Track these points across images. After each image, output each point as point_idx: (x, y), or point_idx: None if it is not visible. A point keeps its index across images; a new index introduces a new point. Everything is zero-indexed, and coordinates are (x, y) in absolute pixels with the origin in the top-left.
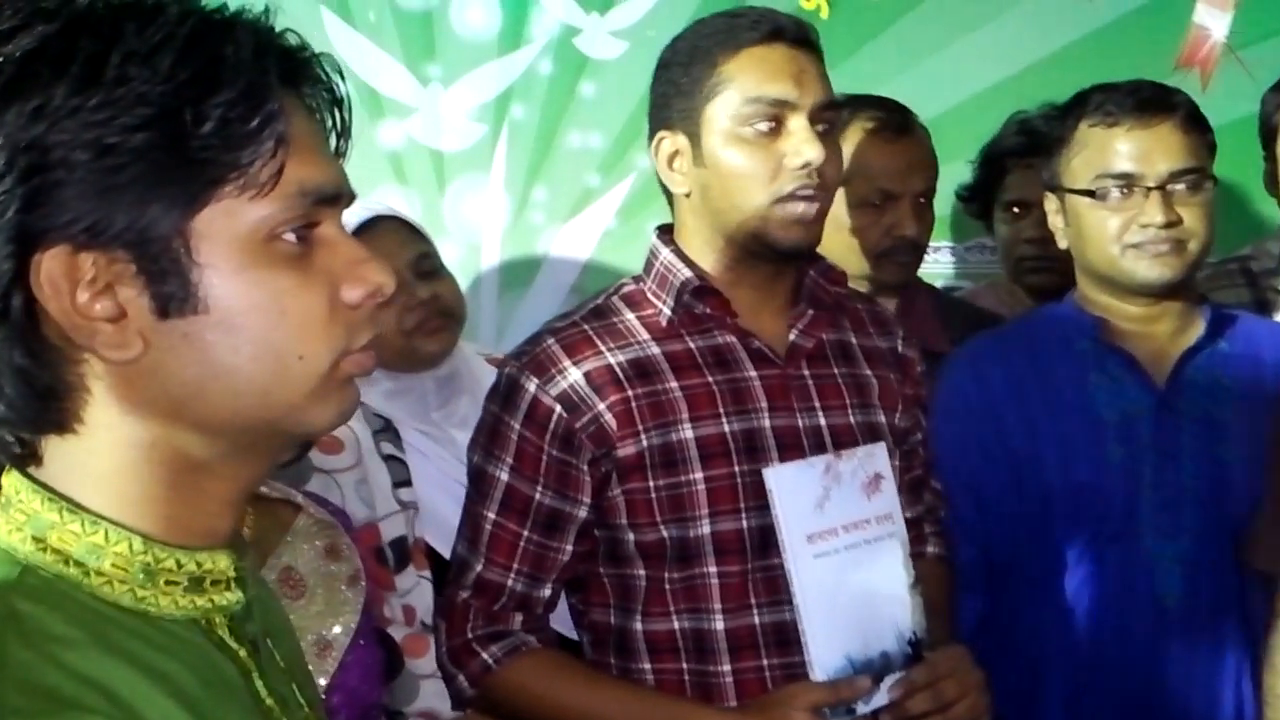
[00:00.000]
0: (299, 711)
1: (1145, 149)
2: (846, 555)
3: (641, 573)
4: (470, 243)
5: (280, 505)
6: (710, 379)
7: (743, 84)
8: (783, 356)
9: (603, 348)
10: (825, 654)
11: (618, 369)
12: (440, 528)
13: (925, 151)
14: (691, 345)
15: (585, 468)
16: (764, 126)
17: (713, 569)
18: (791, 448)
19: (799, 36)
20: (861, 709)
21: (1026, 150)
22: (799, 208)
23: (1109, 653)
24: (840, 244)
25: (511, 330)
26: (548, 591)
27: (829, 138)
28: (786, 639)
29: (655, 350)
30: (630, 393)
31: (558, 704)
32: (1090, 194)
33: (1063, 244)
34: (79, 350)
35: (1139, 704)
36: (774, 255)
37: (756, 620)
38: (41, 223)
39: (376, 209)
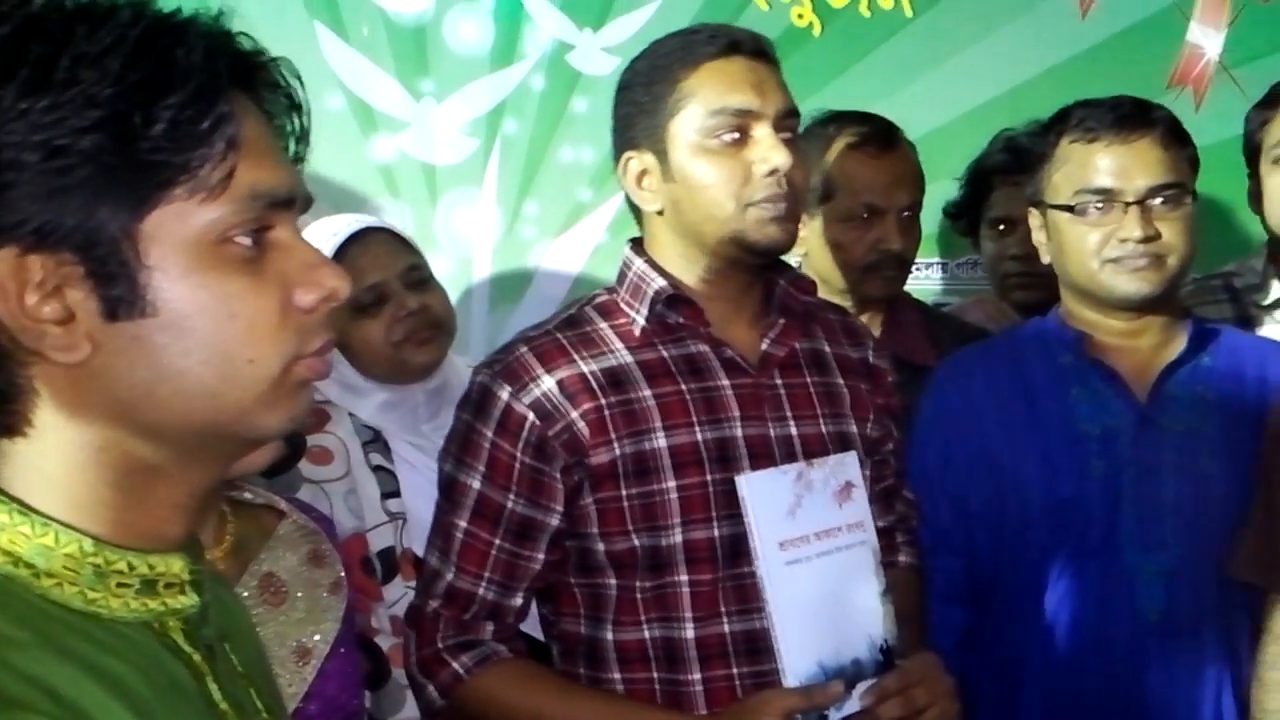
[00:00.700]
0: (256, 716)
1: (1124, 164)
2: (818, 563)
3: (612, 582)
4: (462, 256)
5: (263, 511)
6: (683, 387)
7: (705, 97)
8: (755, 366)
9: (576, 356)
10: (798, 661)
11: (591, 377)
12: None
13: (910, 166)
14: (665, 354)
15: (558, 476)
16: (729, 137)
17: (684, 578)
18: (763, 456)
19: (755, 49)
20: (834, 715)
21: (1012, 168)
22: (769, 211)
23: (1090, 666)
24: (827, 258)
25: (501, 342)
26: (519, 600)
27: (792, 144)
28: (756, 648)
29: (628, 359)
30: (603, 401)
31: (529, 713)
32: (1070, 209)
33: (1046, 259)
34: (28, 353)
35: (1120, 717)
36: (752, 259)
37: (727, 629)
38: None
39: (366, 221)
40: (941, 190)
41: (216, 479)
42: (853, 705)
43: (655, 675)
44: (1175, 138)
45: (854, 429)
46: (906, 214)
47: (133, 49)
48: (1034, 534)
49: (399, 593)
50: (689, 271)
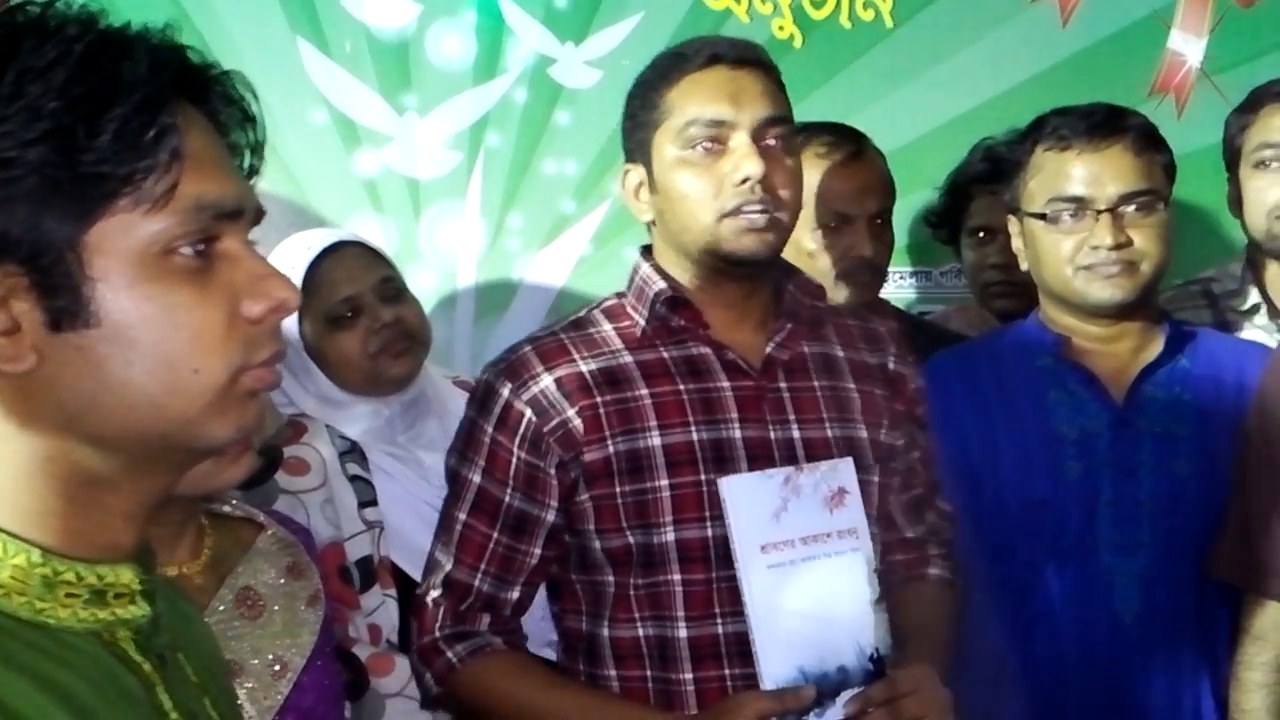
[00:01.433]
0: None
1: (1095, 172)
2: (803, 567)
3: (610, 579)
4: (446, 269)
5: (241, 524)
6: (681, 388)
7: (682, 109)
8: (758, 368)
9: (576, 356)
10: (775, 664)
11: (588, 376)
12: (406, 547)
13: (879, 174)
14: (665, 355)
15: (553, 472)
16: (704, 148)
17: (677, 576)
18: (761, 459)
19: (739, 58)
20: None
21: (991, 177)
22: (744, 220)
23: (1069, 667)
24: (800, 266)
25: (487, 355)
26: (515, 594)
27: (778, 151)
28: (748, 649)
29: (628, 359)
30: (599, 399)
31: (517, 705)
32: (1043, 217)
33: (1024, 266)
34: None
35: (1100, 718)
36: (733, 268)
37: (719, 630)
38: None
39: (339, 234)
40: (923, 199)
41: (167, 489)
42: (836, 713)
43: (648, 674)
44: (1149, 144)
45: (863, 434)
46: (877, 221)
47: (78, 62)
48: (1011, 535)
49: (376, 601)
50: (688, 277)
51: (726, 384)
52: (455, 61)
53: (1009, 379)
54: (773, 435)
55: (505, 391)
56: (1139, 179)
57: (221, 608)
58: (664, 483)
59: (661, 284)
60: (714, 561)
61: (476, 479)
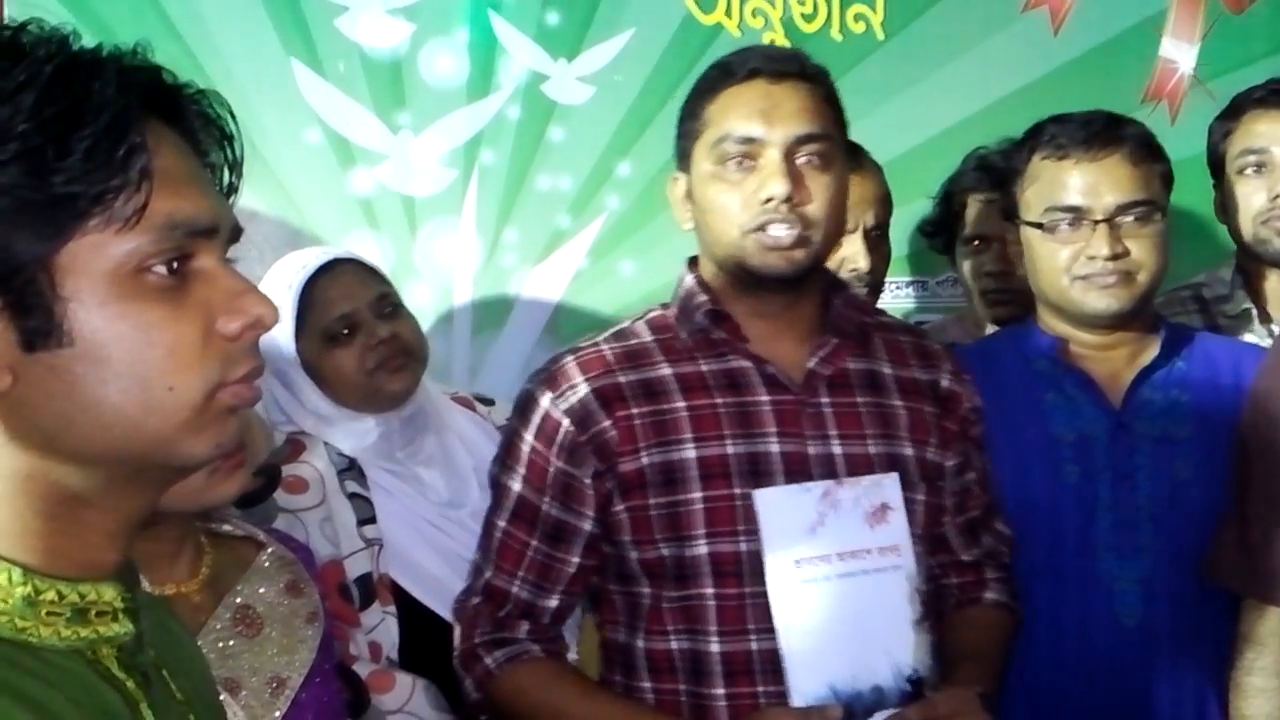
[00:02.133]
0: None
1: (1092, 182)
2: (839, 583)
3: (646, 590)
4: (442, 285)
5: (242, 543)
6: (718, 401)
7: (718, 124)
8: (799, 383)
9: (616, 366)
10: (805, 681)
11: (626, 387)
12: (405, 564)
13: (876, 186)
14: (704, 368)
15: (589, 482)
16: (735, 164)
17: (709, 590)
18: (798, 474)
19: (779, 71)
20: None
21: (985, 185)
22: (768, 237)
23: (1071, 673)
24: None
25: (484, 371)
26: (554, 602)
27: (812, 168)
28: (781, 667)
29: (666, 371)
30: (635, 410)
31: (552, 712)
32: (1040, 226)
33: (1022, 273)
34: None
35: None
36: (762, 283)
37: (753, 646)
38: None
39: (334, 252)
40: (919, 210)
41: (148, 506)
42: None
43: (681, 687)
44: (1146, 153)
45: (909, 451)
46: (874, 233)
47: (47, 84)
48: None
49: (377, 618)
50: (726, 289)
51: (765, 398)
52: (448, 79)
53: (1005, 383)
54: (811, 451)
55: (544, 401)
56: (1136, 189)
57: (219, 626)
58: (697, 495)
59: (703, 296)
60: (747, 576)
61: (516, 487)
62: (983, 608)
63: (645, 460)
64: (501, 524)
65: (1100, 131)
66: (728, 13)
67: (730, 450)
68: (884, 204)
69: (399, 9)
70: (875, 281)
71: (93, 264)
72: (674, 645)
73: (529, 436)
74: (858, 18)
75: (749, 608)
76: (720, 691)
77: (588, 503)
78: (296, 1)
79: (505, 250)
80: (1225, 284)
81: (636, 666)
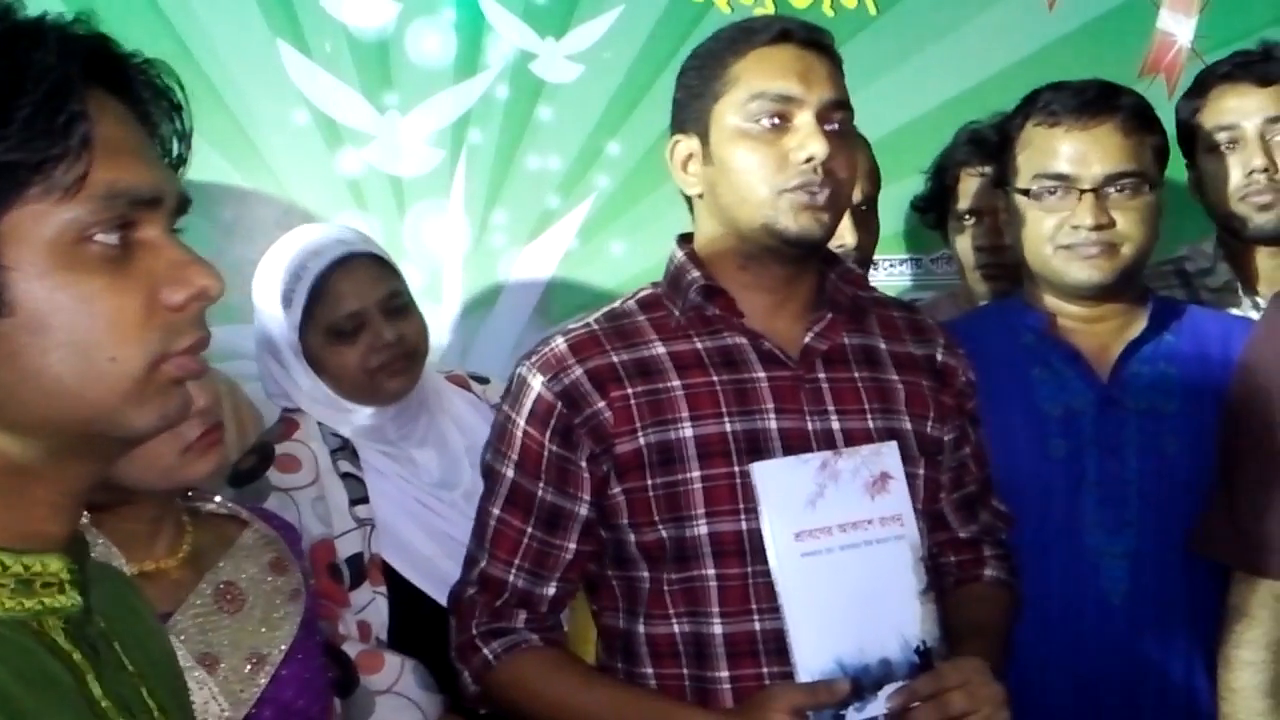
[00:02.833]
0: (145, 714)
1: (1082, 151)
2: (841, 555)
3: (645, 574)
4: (431, 267)
5: (225, 521)
6: (714, 379)
7: (749, 81)
8: (796, 359)
9: (609, 347)
10: (811, 656)
11: (620, 367)
12: (397, 545)
13: (864, 162)
14: (699, 346)
15: (584, 465)
16: (769, 122)
17: (711, 571)
18: (798, 450)
19: (808, 39)
20: (853, 716)
21: (977, 159)
22: (804, 197)
23: (1057, 648)
24: None
25: (474, 352)
26: (552, 589)
27: (839, 136)
28: (785, 647)
29: (660, 350)
30: (630, 390)
31: (553, 702)
32: (1028, 193)
33: (1009, 241)
34: None
35: (1089, 699)
36: (785, 248)
37: (756, 626)
38: None
39: (350, 243)
40: (913, 186)
41: (95, 478)
42: (878, 707)
43: (684, 671)
44: (1139, 124)
45: (908, 425)
46: (862, 209)
47: None
48: None
49: (367, 598)
50: (729, 261)
51: (762, 374)
52: (435, 59)
53: (992, 357)
54: (810, 426)
55: (537, 384)
56: (1126, 160)
57: (199, 601)
58: (696, 474)
59: (696, 273)
60: (749, 555)
61: (510, 473)
62: (982, 585)
63: (642, 440)
64: (496, 511)
65: (1093, 100)
66: None
67: (729, 428)
68: (871, 179)
69: None
70: (864, 257)
71: (34, 233)
72: (676, 629)
73: (521, 421)
74: None
75: (752, 587)
76: (724, 674)
77: (584, 486)
78: None
79: (494, 231)
80: (1208, 257)
81: (637, 652)
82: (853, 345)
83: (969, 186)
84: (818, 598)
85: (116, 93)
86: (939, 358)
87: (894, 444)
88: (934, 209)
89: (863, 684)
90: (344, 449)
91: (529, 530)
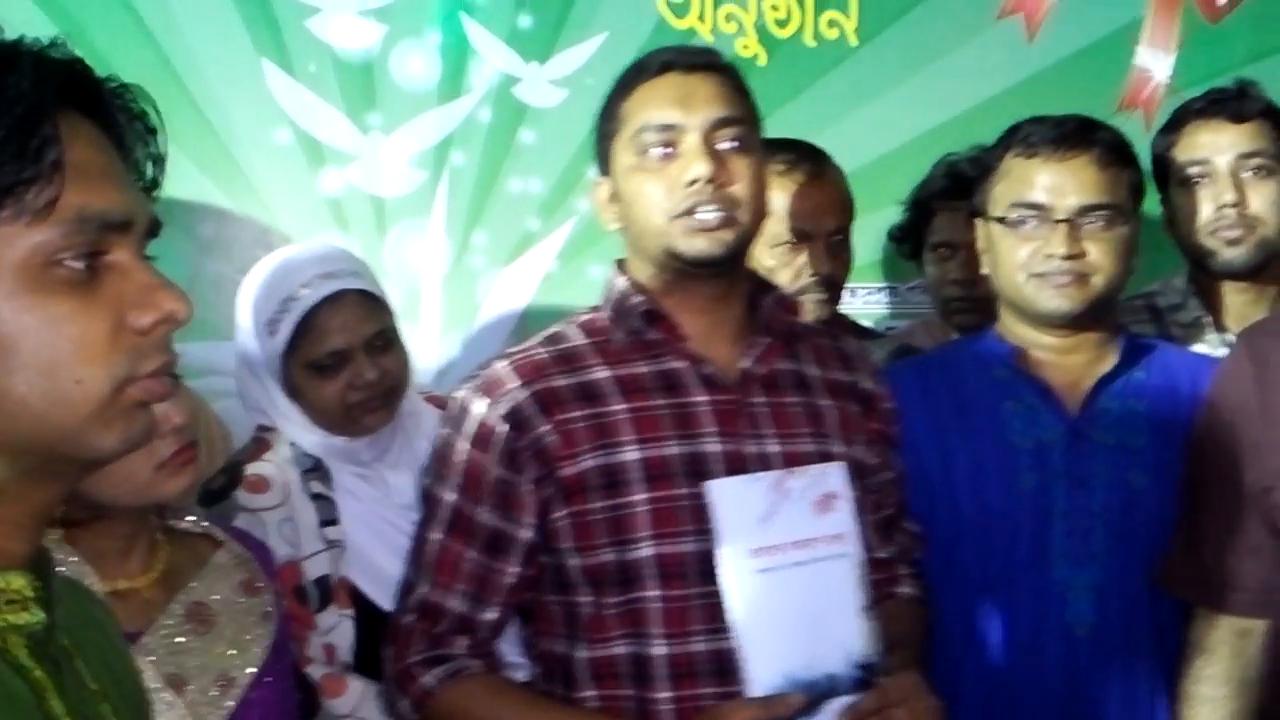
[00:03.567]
0: None
1: (1058, 182)
2: (792, 573)
3: (588, 599)
4: (411, 287)
5: (199, 540)
6: (657, 403)
7: (635, 118)
8: (734, 383)
9: (553, 371)
10: (763, 671)
11: (564, 391)
12: (366, 568)
13: (838, 192)
14: (641, 370)
15: (529, 488)
16: (658, 153)
17: (653, 593)
18: (738, 473)
19: (692, 63)
20: None
21: (953, 193)
22: (696, 220)
23: (1024, 678)
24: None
25: (452, 372)
26: (492, 615)
27: (732, 151)
28: (725, 668)
29: (604, 374)
30: (574, 414)
31: None
32: (1004, 221)
33: (985, 270)
34: None
35: None
36: (690, 269)
37: (696, 648)
38: None
39: (342, 277)
40: (890, 216)
41: (59, 498)
42: None
43: (626, 693)
44: (1115, 158)
45: (840, 449)
46: (835, 238)
47: None
48: (966, 546)
49: (333, 621)
50: (658, 286)
51: (704, 398)
52: (420, 81)
53: (965, 390)
54: (749, 450)
55: (480, 407)
56: (1100, 193)
57: (170, 622)
58: (640, 497)
59: (638, 297)
60: (692, 577)
61: (452, 497)
62: (899, 601)
63: (587, 464)
64: (436, 536)
65: (1071, 133)
66: (700, 17)
67: (672, 451)
68: (845, 209)
69: (371, 10)
70: (835, 286)
71: (2, 255)
72: (617, 651)
73: (464, 444)
74: (831, 23)
75: (694, 609)
76: (667, 695)
77: (527, 510)
78: (268, 2)
79: (474, 252)
80: (1179, 292)
81: (578, 676)
82: (786, 370)
83: (944, 219)
84: (769, 614)
85: (91, 116)
86: (864, 384)
87: (841, 465)
88: (910, 240)
89: (810, 699)
90: (316, 470)
91: (470, 554)
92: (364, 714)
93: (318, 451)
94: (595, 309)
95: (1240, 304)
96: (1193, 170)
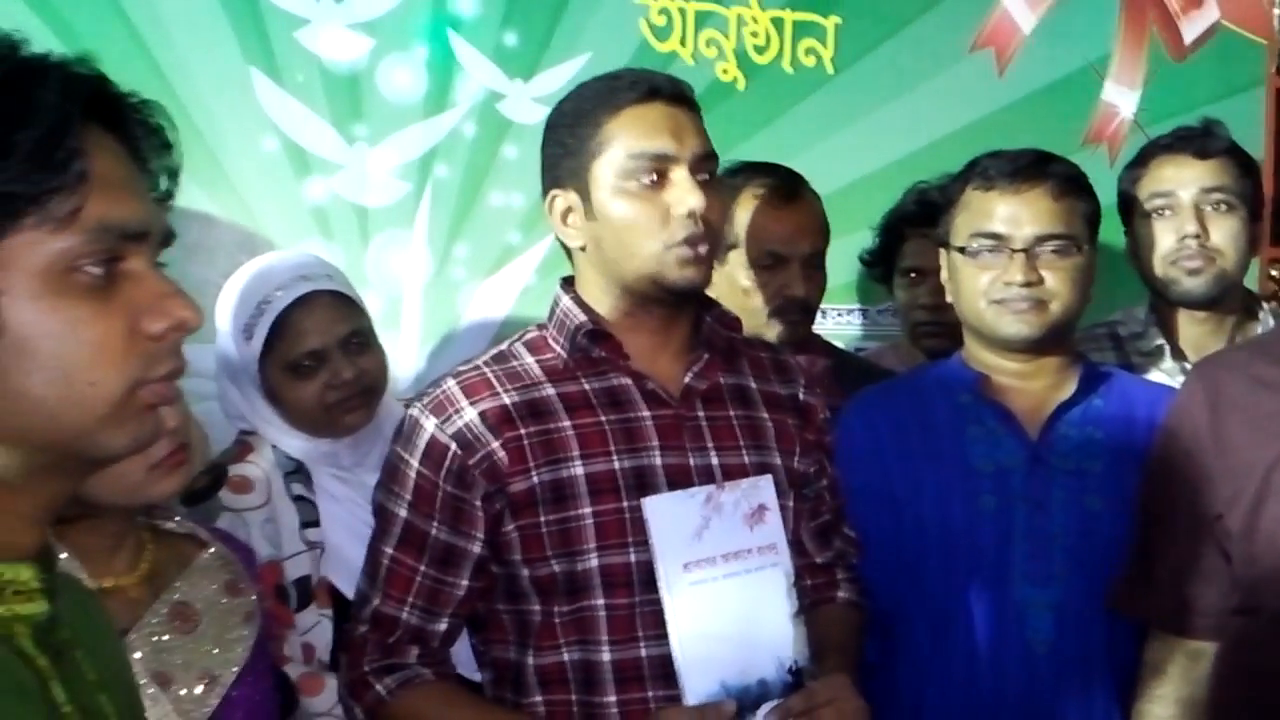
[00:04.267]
0: None
1: (1014, 213)
2: (725, 584)
3: (537, 608)
4: (392, 296)
5: (183, 540)
6: (602, 418)
7: (625, 141)
8: (677, 398)
9: (500, 389)
10: (699, 680)
11: (512, 409)
12: (346, 569)
13: (814, 216)
14: (586, 387)
15: (479, 504)
16: (648, 179)
17: (600, 602)
18: (681, 486)
19: (675, 94)
20: None
21: (923, 219)
22: (689, 251)
23: (985, 695)
24: (735, 303)
25: (431, 380)
26: (443, 625)
27: (710, 186)
28: (670, 672)
29: (550, 391)
30: (523, 431)
31: None
32: (964, 250)
33: (949, 298)
34: None
35: None
36: (670, 297)
37: (643, 653)
38: None
39: (315, 279)
40: (862, 240)
41: (69, 494)
42: None
43: (573, 698)
44: (1070, 190)
45: (778, 461)
46: (810, 261)
47: None
48: (929, 567)
49: (312, 620)
50: (612, 306)
51: (647, 413)
52: (406, 94)
53: (930, 414)
54: (692, 462)
55: (430, 426)
56: (1056, 223)
57: (155, 620)
58: (587, 510)
59: (583, 317)
60: (637, 586)
61: (402, 513)
62: (837, 605)
63: (535, 479)
64: (389, 550)
65: (1027, 166)
66: (682, 41)
67: (617, 465)
68: (821, 233)
69: (360, 23)
70: (810, 308)
71: (26, 260)
72: (565, 657)
73: (415, 462)
74: (809, 51)
75: (639, 616)
76: (612, 699)
77: (477, 525)
78: (258, 12)
79: (455, 264)
80: (1140, 321)
81: (526, 682)
82: (727, 385)
83: (914, 245)
84: (704, 624)
85: (112, 129)
86: (801, 396)
87: (769, 477)
88: (881, 264)
89: (743, 704)
90: (298, 472)
91: (422, 568)
92: (340, 712)
93: (299, 455)
94: (540, 327)
95: (1198, 334)
96: (1157, 202)
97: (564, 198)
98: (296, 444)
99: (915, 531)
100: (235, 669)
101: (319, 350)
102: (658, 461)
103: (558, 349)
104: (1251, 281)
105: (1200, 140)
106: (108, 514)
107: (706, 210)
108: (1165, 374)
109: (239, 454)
